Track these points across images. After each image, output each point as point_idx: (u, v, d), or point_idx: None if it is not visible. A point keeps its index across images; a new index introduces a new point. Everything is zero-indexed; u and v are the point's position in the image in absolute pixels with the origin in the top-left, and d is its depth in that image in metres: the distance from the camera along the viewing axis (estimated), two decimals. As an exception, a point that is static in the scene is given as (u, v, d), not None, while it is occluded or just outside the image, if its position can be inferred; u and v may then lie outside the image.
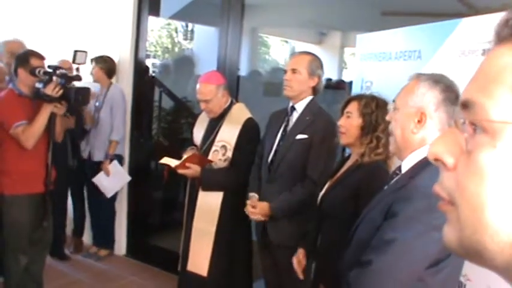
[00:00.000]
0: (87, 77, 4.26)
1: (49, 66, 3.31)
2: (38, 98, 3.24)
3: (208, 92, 3.20)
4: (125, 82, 4.66)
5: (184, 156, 3.25)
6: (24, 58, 3.29)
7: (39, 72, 3.21)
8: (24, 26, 5.34)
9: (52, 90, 3.19)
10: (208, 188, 3.23)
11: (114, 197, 4.68)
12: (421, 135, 1.62)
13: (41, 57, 3.34)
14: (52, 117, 3.30)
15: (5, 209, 3.33)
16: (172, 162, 3.24)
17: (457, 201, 0.56)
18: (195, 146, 3.47)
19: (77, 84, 3.60)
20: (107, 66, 4.50)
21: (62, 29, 5.08)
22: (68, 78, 3.31)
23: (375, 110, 2.29)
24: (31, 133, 3.21)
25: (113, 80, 4.60)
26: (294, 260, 2.58)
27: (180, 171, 3.20)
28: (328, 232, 2.41)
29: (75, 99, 3.35)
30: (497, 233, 0.52)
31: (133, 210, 4.86)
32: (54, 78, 3.27)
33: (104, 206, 4.68)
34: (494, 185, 0.52)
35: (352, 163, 2.37)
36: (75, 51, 4.28)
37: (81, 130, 4.42)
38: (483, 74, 0.56)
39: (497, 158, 0.52)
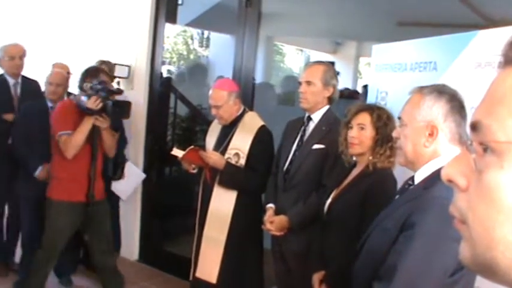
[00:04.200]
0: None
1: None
2: (83, 111, 3.32)
3: (220, 98, 3.22)
4: (141, 88, 4.70)
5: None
6: (94, 73, 3.40)
7: (87, 86, 3.31)
8: (41, 35, 5.42)
9: (93, 103, 3.25)
10: (226, 183, 3.22)
11: (117, 197, 4.60)
12: (433, 148, 1.63)
13: (109, 75, 3.42)
14: (95, 130, 3.35)
15: (50, 212, 3.43)
16: (180, 153, 3.25)
17: (469, 221, 0.57)
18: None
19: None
20: (108, 70, 4.47)
21: (78, 35, 5.14)
22: (108, 92, 3.35)
23: (388, 122, 2.35)
24: (70, 143, 3.28)
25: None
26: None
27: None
28: (335, 239, 2.42)
29: (113, 111, 3.36)
30: (508, 250, 0.53)
31: (147, 215, 4.88)
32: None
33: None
34: (503, 204, 0.53)
35: (360, 171, 2.41)
36: (115, 64, 4.17)
37: (124, 141, 4.39)
38: (490, 96, 0.57)
39: (505, 177, 0.53)
